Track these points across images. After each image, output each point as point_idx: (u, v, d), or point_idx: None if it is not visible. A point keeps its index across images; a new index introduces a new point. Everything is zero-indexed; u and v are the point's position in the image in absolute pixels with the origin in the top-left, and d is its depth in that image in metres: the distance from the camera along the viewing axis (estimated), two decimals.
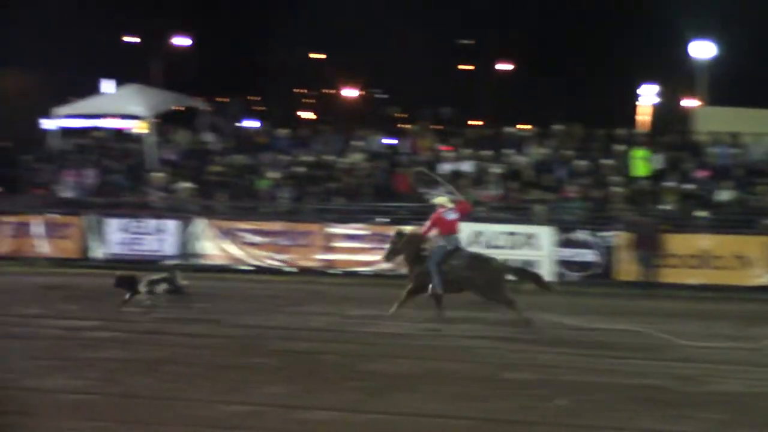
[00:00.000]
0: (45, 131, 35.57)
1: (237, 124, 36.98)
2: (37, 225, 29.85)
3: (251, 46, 60.36)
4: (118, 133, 35.71)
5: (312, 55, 69.06)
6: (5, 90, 63.16)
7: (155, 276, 21.09)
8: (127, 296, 20.63)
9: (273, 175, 31.02)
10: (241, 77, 59.63)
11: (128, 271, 22.01)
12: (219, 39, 58.41)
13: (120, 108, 34.66)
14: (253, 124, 41.71)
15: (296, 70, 65.66)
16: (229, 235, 29.25)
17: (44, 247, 29.79)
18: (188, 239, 29.24)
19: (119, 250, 29.55)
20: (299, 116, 64.87)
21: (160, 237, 29.42)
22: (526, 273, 20.87)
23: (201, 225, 29.29)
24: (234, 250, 29.16)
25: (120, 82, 37.09)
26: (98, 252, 29.64)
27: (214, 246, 29.26)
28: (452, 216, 19.92)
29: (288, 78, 65.17)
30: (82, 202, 30.85)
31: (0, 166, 34.36)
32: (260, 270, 28.82)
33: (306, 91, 73.89)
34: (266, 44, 60.57)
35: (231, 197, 30.49)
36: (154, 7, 54.73)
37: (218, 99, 42.51)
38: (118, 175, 32.15)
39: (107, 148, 33.58)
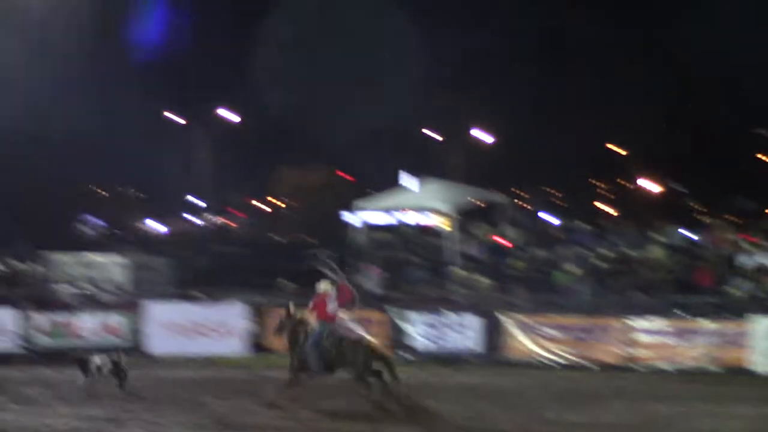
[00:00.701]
0: (347, 225, 36.63)
1: (536, 218, 37.17)
2: (341, 318, 30.59)
3: (548, 140, 60.61)
4: (419, 227, 36.40)
5: (609, 146, 68.72)
6: (309, 185, 65.73)
7: (100, 357, 22.14)
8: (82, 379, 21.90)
9: (572, 269, 30.96)
10: (539, 170, 59.86)
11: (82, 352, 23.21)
12: (519, 134, 58.87)
13: (421, 202, 35.40)
14: (551, 217, 41.78)
15: (593, 161, 65.41)
16: (529, 329, 29.28)
17: None
18: (490, 334, 29.43)
19: (422, 344, 30.00)
20: (597, 208, 64.47)
21: (462, 332, 29.72)
22: (384, 357, 21.13)
23: (502, 320, 29.45)
24: (534, 344, 29.16)
25: (420, 177, 37.90)
26: (404, 346, 30.08)
27: (515, 341, 29.34)
28: (332, 305, 20.91)
29: (585, 170, 65.00)
30: (384, 296, 31.53)
31: (302, 260, 35.50)
32: (560, 365, 28.69)
33: (603, 183, 73.46)
34: (563, 136, 60.69)
35: (531, 292, 30.57)
36: (455, 103, 55.80)
37: (518, 192, 42.74)
38: (419, 270, 32.78)
39: (408, 243, 34.32)
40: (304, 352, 20.72)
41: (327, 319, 20.95)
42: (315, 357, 20.55)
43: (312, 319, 21.00)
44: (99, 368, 22.05)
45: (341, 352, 20.48)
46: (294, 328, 21.08)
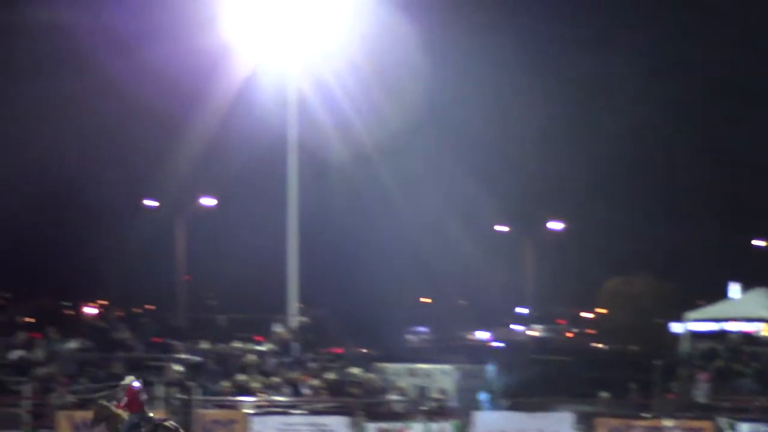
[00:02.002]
0: (675, 335, 36.50)
1: None
2: (670, 429, 30.39)
3: None
4: (746, 336, 35.86)
5: None
6: (632, 294, 65.29)
7: None
8: None
9: None
10: None
11: None
12: None
13: (747, 312, 34.97)
14: None
15: None
16: None
17: None
18: None
19: None
20: None
21: None
22: None
23: None
24: None
25: (746, 286, 37.45)
26: None
27: None
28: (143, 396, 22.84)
29: None
30: (712, 405, 31.15)
31: (632, 370, 35.51)
32: None
33: None
34: None
35: None
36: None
37: None
38: (746, 379, 32.27)
39: (736, 352, 33.88)
40: None
41: (139, 409, 22.84)
42: None
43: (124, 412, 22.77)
44: None
45: None
46: (111, 421, 22.74)
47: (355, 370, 32.54)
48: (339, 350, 36.34)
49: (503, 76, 43.79)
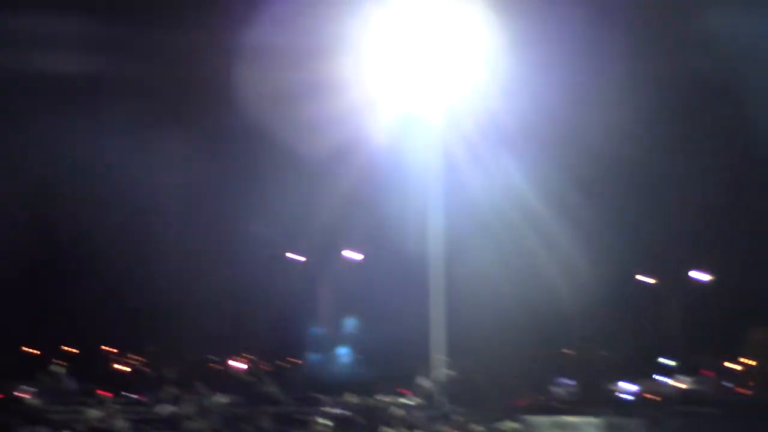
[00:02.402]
0: None
1: None
2: None
3: None
4: None
5: None
6: None
7: None
8: None
9: None
10: None
11: None
12: None
13: None
14: None
15: None
16: None
17: None
18: None
19: None
20: None
21: None
22: None
23: None
24: None
25: None
26: None
27: None
28: None
29: None
30: None
31: None
32: None
33: None
34: None
35: None
36: None
37: None
38: None
39: None
40: None
41: None
42: None
43: None
44: None
45: None
46: None
47: (510, 425, 32.48)
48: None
49: (655, 123, 43.46)
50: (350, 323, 47.93)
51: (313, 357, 47.97)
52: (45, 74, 39.15)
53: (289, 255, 51.31)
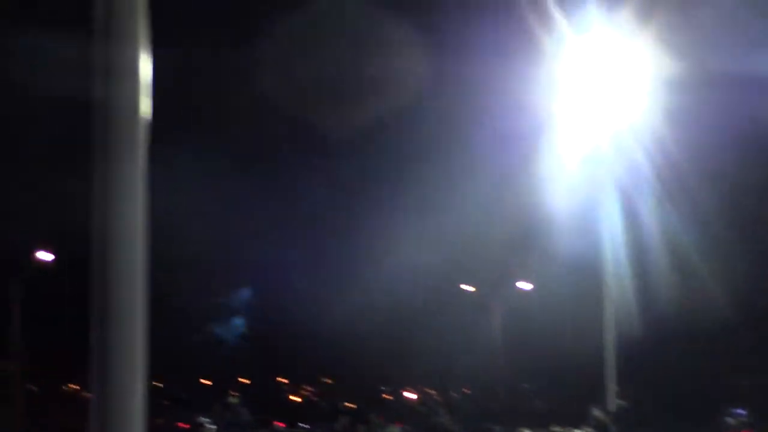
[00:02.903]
0: None
1: None
2: None
3: None
4: None
5: None
6: None
7: None
8: None
9: None
10: None
11: None
12: None
13: None
14: None
15: None
16: None
17: None
18: None
19: None
20: None
21: None
22: None
23: None
24: None
25: None
26: None
27: None
28: None
29: None
30: None
31: None
32: None
33: None
34: None
35: None
36: None
37: None
38: None
39: None
40: None
41: None
42: None
43: None
44: None
45: None
46: None
47: None
48: None
49: None
50: (520, 353, 47.77)
51: (482, 387, 47.91)
52: None
53: (461, 286, 51.41)
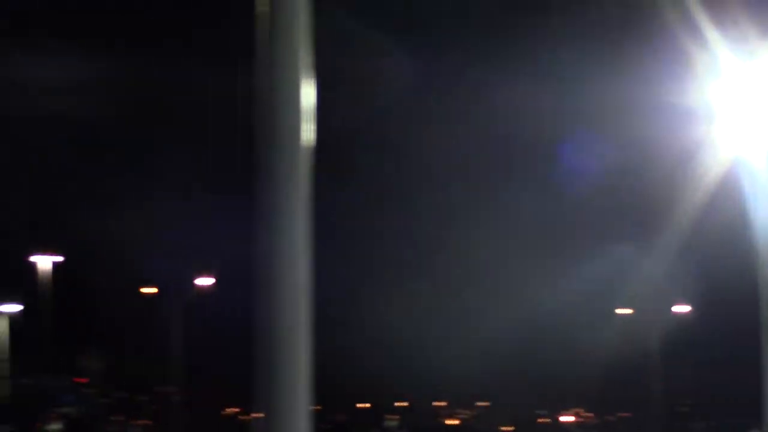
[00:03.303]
0: None
1: None
2: None
3: None
4: None
5: None
6: None
7: None
8: None
9: None
10: None
11: None
12: None
13: None
14: None
15: None
16: None
17: None
18: None
19: None
20: None
21: None
22: None
23: None
24: None
25: None
26: None
27: None
28: None
29: None
30: None
31: None
32: None
33: None
34: None
35: None
36: None
37: None
38: None
39: None
40: None
41: None
42: None
43: None
44: None
45: None
46: None
47: None
48: None
49: None
50: (676, 376, 46.87)
51: (643, 411, 47.15)
52: None
53: (618, 310, 50.69)
